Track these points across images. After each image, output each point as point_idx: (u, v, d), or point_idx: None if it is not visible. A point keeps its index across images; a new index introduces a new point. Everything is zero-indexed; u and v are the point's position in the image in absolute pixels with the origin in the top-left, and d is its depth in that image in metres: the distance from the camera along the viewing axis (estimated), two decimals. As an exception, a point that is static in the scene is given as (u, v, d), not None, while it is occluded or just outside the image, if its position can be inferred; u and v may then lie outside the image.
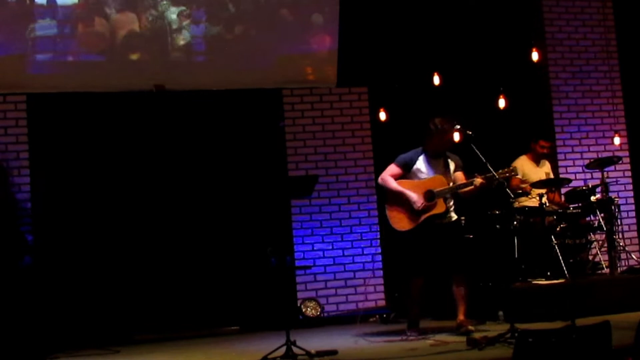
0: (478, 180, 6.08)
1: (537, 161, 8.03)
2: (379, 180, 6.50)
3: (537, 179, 7.77)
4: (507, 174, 6.05)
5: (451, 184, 6.29)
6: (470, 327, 6.09)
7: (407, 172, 6.39)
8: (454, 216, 6.41)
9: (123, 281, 7.51)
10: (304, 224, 8.10)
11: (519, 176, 7.88)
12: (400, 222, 6.31)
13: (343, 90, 8.36)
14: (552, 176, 8.09)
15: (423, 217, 6.22)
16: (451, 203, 6.37)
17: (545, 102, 8.91)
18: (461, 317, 6.26)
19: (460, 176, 6.35)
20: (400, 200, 6.29)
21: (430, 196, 6.20)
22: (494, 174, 5.96)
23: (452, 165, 6.40)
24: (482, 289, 7.09)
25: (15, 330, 6.27)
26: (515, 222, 7.07)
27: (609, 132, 8.83)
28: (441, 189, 6.22)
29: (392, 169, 6.42)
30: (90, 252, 7.47)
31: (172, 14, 7.83)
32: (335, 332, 7.02)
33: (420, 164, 6.38)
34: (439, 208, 6.21)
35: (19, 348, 6.16)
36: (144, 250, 7.61)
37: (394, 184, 6.33)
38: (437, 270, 6.36)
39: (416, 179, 6.35)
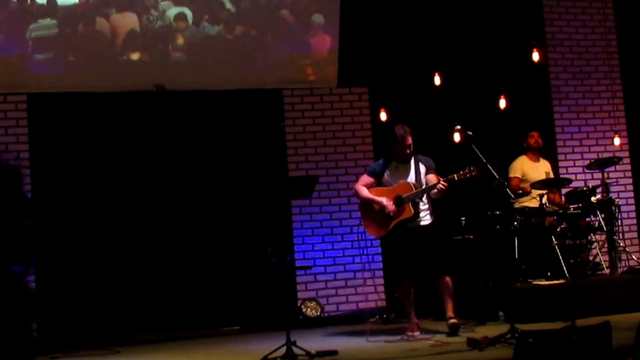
0: (441, 185, 6.17)
1: (536, 158, 8.05)
2: (353, 190, 6.72)
3: (538, 177, 7.78)
4: (468, 174, 6.11)
5: (423, 186, 6.36)
6: (457, 321, 6.19)
7: (378, 180, 6.54)
8: (428, 219, 6.43)
9: (124, 281, 7.51)
10: (304, 224, 8.10)
11: (519, 176, 7.90)
12: (372, 229, 6.54)
13: (343, 90, 8.36)
14: (552, 176, 8.09)
15: (393, 223, 6.33)
16: (423, 207, 6.40)
17: (546, 102, 8.91)
18: (449, 313, 6.29)
19: (432, 178, 6.41)
20: (370, 208, 6.45)
21: (398, 202, 6.30)
22: (454, 176, 6.13)
23: (422, 169, 6.48)
24: (482, 289, 7.09)
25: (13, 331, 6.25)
26: (515, 223, 7.07)
27: (610, 133, 8.83)
28: (408, 194, 6.31)
29: (364, 178, 6.62)
30: (91, 252, 7.47)
31: (173, 14, 7.83)
32: (336, 333, 7.02)
33: (390, 171, 6.51)
34: (407, 213, 6.31)
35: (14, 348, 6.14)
36: (145, 251, 7.62)
37: (364, 193, 6.51)
38: (419, 272, 6.42)
39: (387, 185, 6.49)
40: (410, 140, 6.39)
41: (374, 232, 6.58)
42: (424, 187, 6.35)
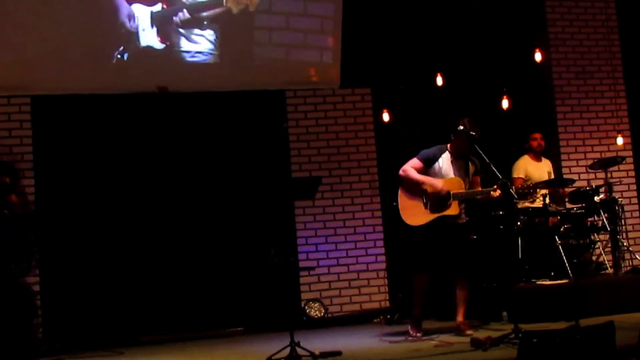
0: (496, 194, 5.99)
1: (538, 158, 8.06)
2: (401, 171, 6.31)
3: (540, 177, 7.78)
4: (526, 190, 6.04)
5: (467, 187, 6.25)
6: (468, 332, 6.08)
7: (428, 167, 6.28)
8: (464, 218, 6.37)
9: (128, 283, 7.53)
10: (307, 225, 8.11)
11: (522, 176, 7.90)
12: (413, 216, 6.23)
13: (346, 91, 8.37)
14: (553, 176, 8.08)
15: (435, 215, 6.17)
16: (463, 205, 6.33)
17: (549, 102, 8.92)
18: (460, 318, 6.26)
19: (476, 180, 6.33)
20: (418, 193, 6.21)
21: (447, 196, 6.16)
22: (512, 193, 5.85)
23: (471, 169, 6.34)
24: (486, 289, 7.10)
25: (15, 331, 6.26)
26: (519, 223, 7.07)
27: (613, 132, 8.84)
28: (459, 192, 6.16)
29: (414, 162, 6.30)
30: (95, 254, 7.49)
31: (175, 15, 7.84)
32: (339, 333, 7.03)
33: (443, 162, 6.30)
34: (453, 210, 6.17)
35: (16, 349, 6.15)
36: (149, 252, 7.63)
37: (417, 175, 6.21)
38: (442, 269, 6.34)
39: (435, 176, 6.25)
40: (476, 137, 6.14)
41: (413, 220, 6.21)
42: (475, 189, 6.24)
